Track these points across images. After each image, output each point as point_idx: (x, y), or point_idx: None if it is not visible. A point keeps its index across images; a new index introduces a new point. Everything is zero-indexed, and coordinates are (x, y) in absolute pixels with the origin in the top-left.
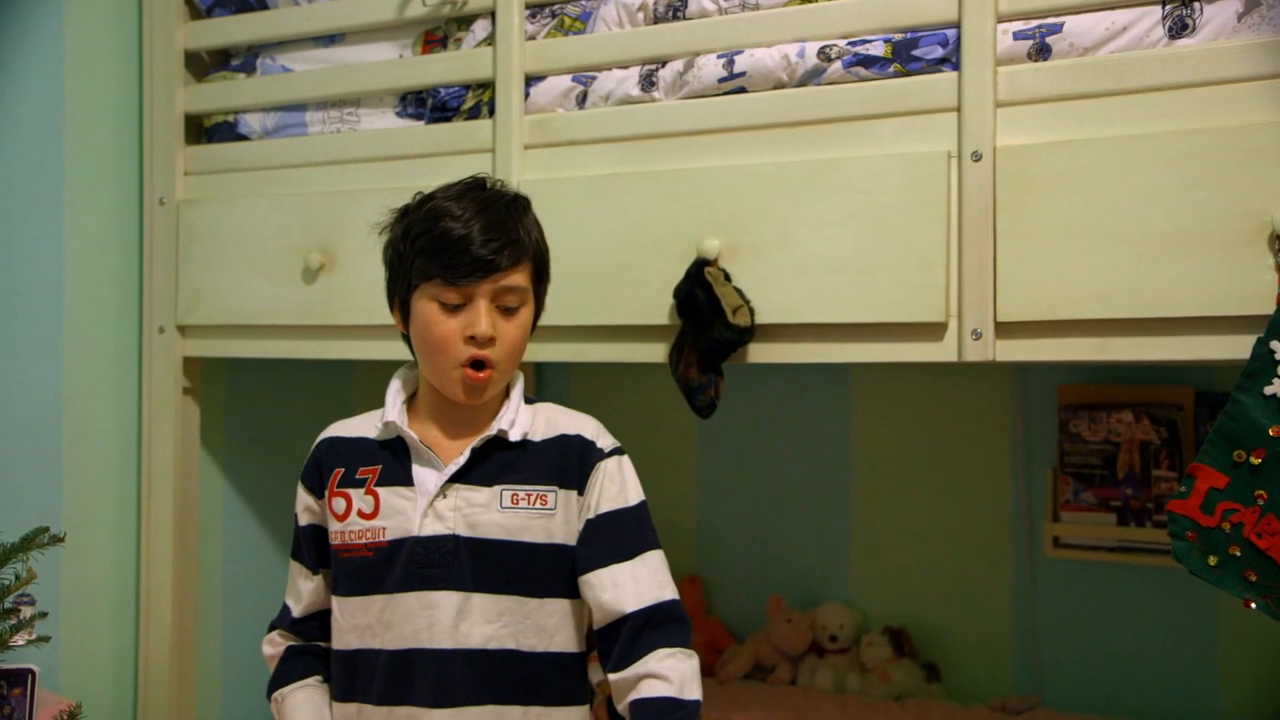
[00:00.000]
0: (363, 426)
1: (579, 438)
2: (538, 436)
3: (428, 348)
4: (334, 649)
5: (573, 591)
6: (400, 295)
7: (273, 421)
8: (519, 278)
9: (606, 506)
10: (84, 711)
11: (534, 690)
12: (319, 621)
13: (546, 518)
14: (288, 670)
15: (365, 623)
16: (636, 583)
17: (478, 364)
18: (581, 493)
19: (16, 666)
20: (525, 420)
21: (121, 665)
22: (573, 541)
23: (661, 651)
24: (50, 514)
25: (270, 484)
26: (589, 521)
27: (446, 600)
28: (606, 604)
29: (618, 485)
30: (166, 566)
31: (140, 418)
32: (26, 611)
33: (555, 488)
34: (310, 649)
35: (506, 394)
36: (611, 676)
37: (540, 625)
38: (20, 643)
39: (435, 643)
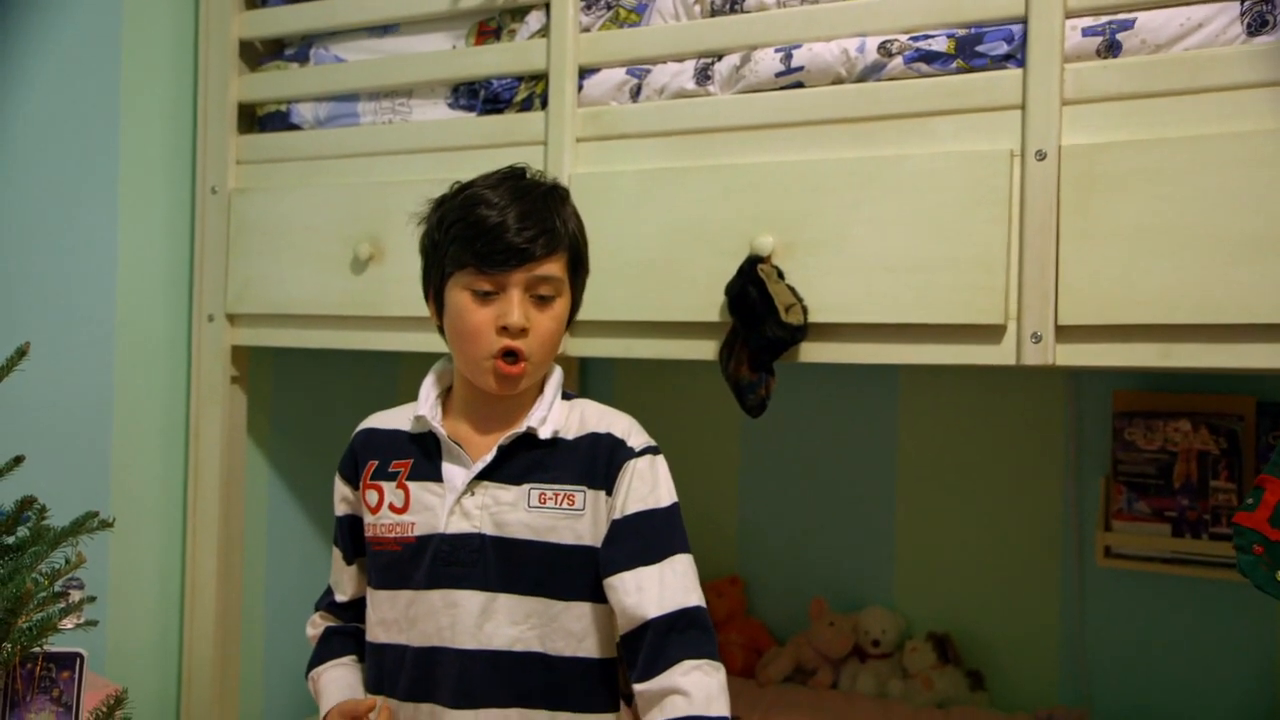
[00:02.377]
0: (399, 419)
1: (609, 436)
2: (570, 434)
3: (460, 338)
4: (366, 640)
5: (602, 595)
6: (434, 284)
7: (318, 411)
8: (554, 267)
9: (635, 507)
10: (129, 696)
11: (561, 695)
12: (358, 608)
13: (574, 518)
14: (325, 650)
15: (392, 617)
16: (662, 587)
17: (510, 355)
18: (610, 493)
19: (65, 650)
20: (558, 417)
21: (166, 650)
22: (598, 543)
23: (686, 664)
24: (99, 499)
25: (314, 473)
26: (615, 522)
27: (470, 599)
28: (630, 609)
29: (648, 485)
30: (212, 553)
31: (189, 405)
32: (75, 595)
33: (584, 488)
34: (348, 629)
35: (541, 389)
36: (636, 687)
37: (568, 629)
38: (69, 626)
39: (458, 642)
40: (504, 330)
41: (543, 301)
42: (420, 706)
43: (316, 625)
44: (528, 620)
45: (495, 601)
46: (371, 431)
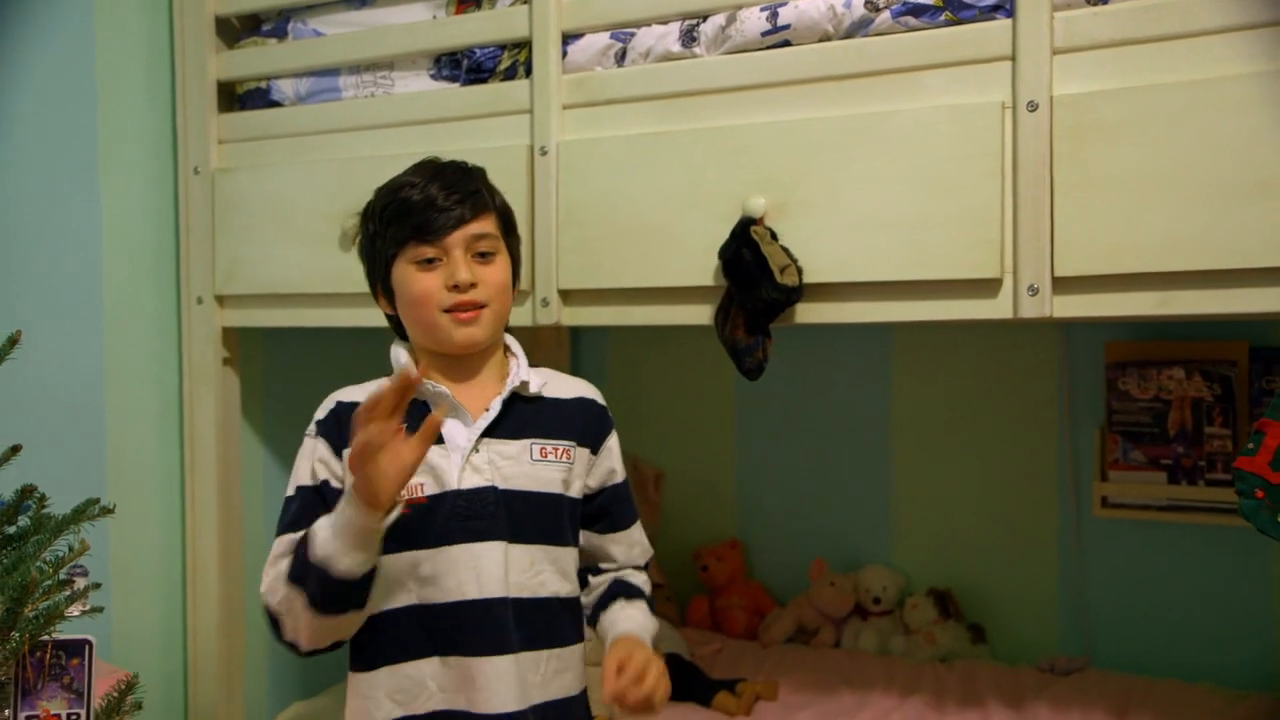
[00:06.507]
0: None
1: (595, 403)
2: (549, 394)
3: (413, 306)
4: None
5: (577, 539)
6: (380, 275)
7: (312, 390)
8: (487, 224)
9: (621, 476)
10: (138, 680)
11: (564, 633)
12: None
13: (567, 470)
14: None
15: (395, 578)
16: (642, 543)
17: (463, 309)
18: (594, 452)
19: (73, 637)
20: (538, 378)
21: (170, 634)
22: (578, 495)
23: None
24: (95, 486)
25: None
26: (614, 487)
27: (491, 550)
28: (620, 557)
29: (620, 457)
30: (212, 536)
31: (181, 389)
32: (80, 583)
33: (574, 444)
34: None
35: (510, 352)
36: (592, 580)
37: (564, 571)
38: (75, 614)
39: (485, 592)
40: (454, 289)
41: (484, 258)
42: (448, 660)
43: (279, 579)
44: (534, 566)
45: (511, 551)
46: (353, 405)
